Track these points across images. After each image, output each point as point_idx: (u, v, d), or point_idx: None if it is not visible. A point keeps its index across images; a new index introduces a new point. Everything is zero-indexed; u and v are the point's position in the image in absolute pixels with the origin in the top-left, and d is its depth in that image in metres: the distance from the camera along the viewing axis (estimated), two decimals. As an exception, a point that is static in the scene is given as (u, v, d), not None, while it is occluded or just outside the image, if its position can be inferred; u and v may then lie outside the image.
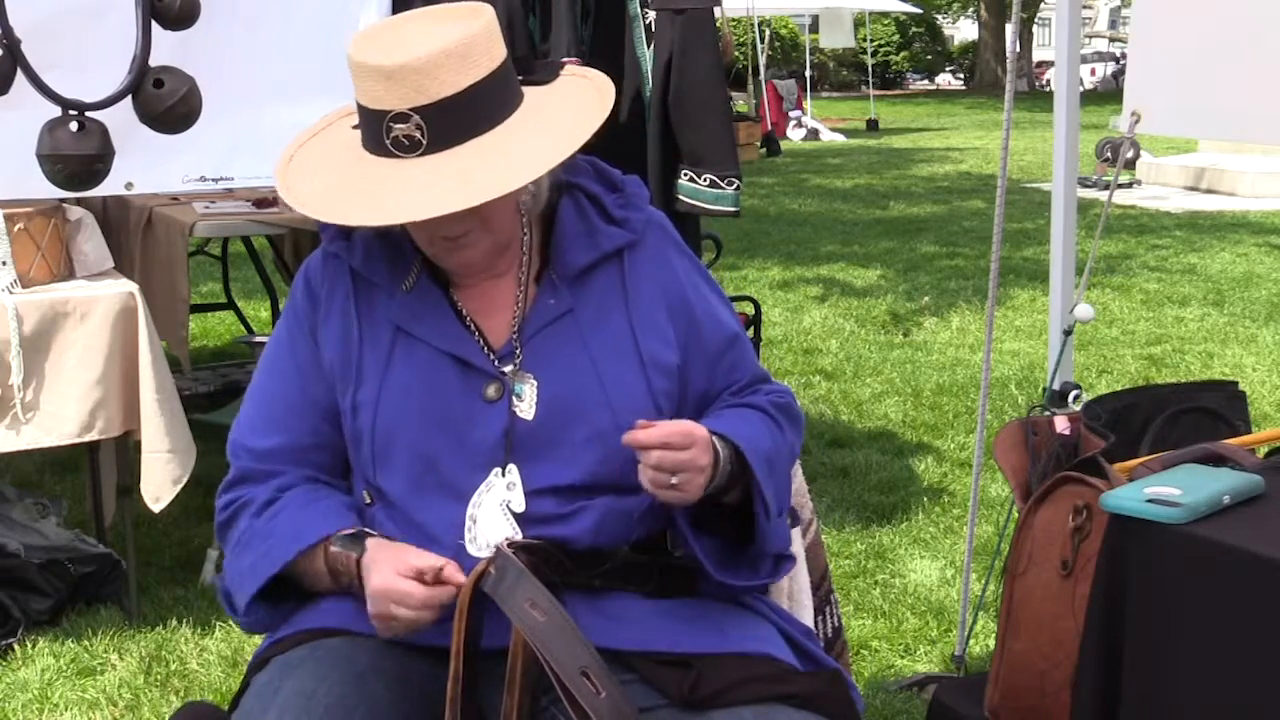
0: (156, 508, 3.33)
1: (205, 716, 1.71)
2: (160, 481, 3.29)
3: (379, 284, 1.72)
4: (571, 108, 1.68)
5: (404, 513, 1.67)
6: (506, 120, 1.61)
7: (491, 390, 1.67)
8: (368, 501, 1.71)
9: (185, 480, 3.33)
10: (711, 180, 3.38)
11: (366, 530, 1.66)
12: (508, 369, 1.68)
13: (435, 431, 1.66)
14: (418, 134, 1.56)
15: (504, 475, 1.65)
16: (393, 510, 1.68)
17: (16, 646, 3.27)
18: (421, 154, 1.57)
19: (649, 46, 3.37)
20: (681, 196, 3.40)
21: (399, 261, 1.73)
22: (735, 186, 3.39)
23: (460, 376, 1.68)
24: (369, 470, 1.69)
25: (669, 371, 1.72)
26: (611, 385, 1.67)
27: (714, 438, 1.61)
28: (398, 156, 1.57)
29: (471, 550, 1.63)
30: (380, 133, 1.57)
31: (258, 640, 1.77)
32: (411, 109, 1.55)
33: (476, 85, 1.57)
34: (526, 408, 1.66)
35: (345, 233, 1.74)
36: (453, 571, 1.54)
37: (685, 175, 3.39)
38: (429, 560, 1.54)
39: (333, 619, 1.66)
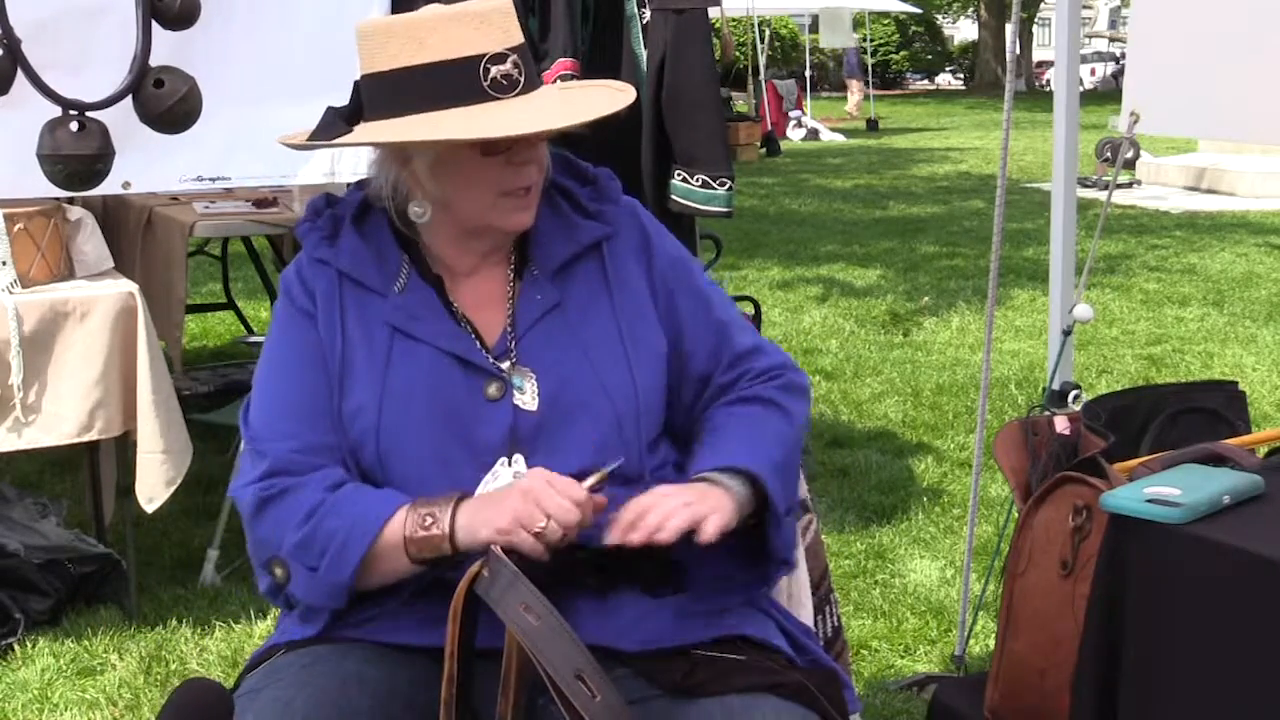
0: (150, 508, 3.32)
1: (205, 692, 1.63)
2: (154, 482, 3.29)
3: (371, 287, 1.71)
4: (583, 87, 1.79)
5: None
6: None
7: (493, 389, 1.66)
8: None
9: (179, 481, 3.33)
10: (704, 180, 3.38)
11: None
12: (505, 365, 1.68)
13: (442, 432, 1.65)
14: (515, 72, 1.61)
15: (510, 465, 1.65)
16: None
17: (16, 646, 3.27)
18: (518, 93, 1.62)
19: (645, 46, 3.38)
20: (675, 197, 3.40)
21: (386, 264, 1.72)
22: (727, 187, 3.40)
23: (461, 375, 1.67)
24: (376, 473, 1.67)
25: (657, 358, 1.73)
26: (606, 374, 1.68)
27: (717, 474, 1.62)
28: (496, 98, 1.61)
29: None
30: (476, 76, 1.60)
31: (258, 640, 1.76)
32: (507, 49, 1.61)
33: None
34: (529, 400, 1.66)
35: (330, 238, 1.74)
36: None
37: (678, 175, 3.40)
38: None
39: (325, 627, 1.64)
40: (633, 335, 1.71)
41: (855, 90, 25.28)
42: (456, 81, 1.60)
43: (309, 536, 1.59)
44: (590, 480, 1.56)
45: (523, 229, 1.72)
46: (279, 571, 1.62)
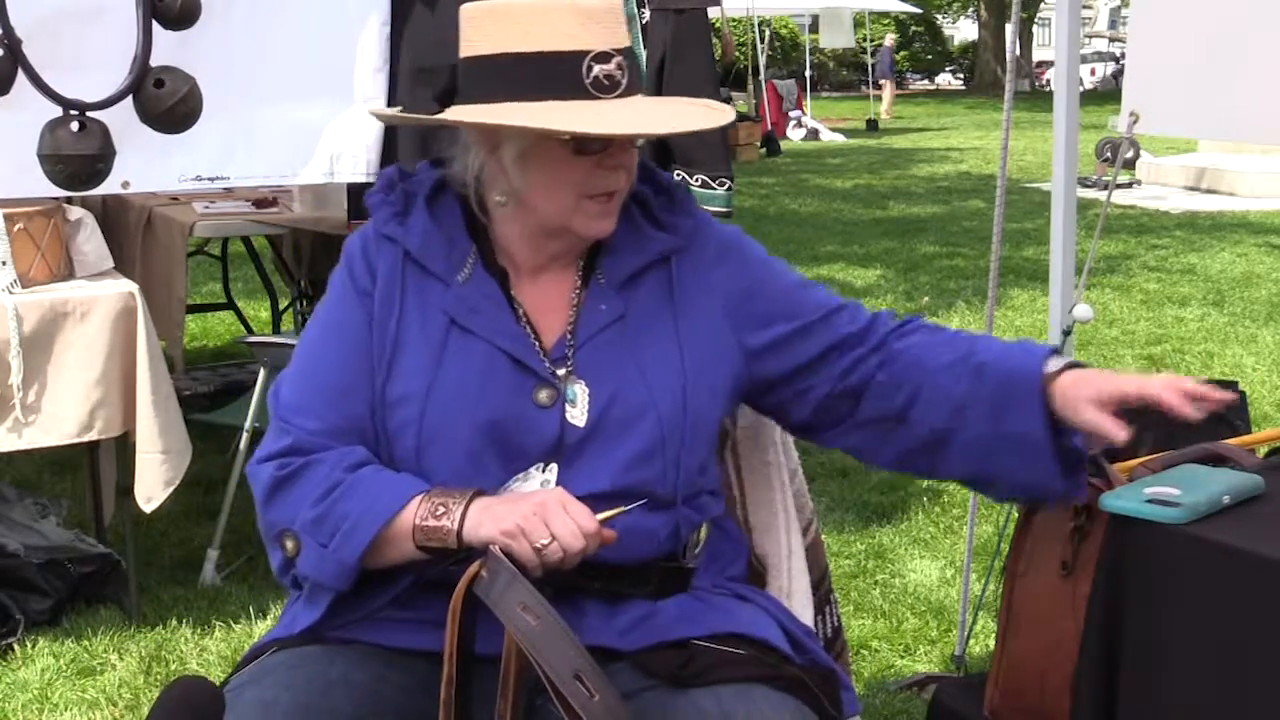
0: (148, 508, 3.32)
1: (196, 689, 1.57)
2: (153, 483, 3.28)
3: (435, 273, 1.67)
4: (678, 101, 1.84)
5: None
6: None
7: (543, 395, 1.63)
8: None
9: (178, 482, 3.33)
10: (703, 180, 3.39)
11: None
12: (560, 372, 1.65)
13: (486, 431, 1.62)
14: (618, 74, 1.58)
15: (543, 471, 1.62)
16: None
17: (16, 646, 3.27)
18: (619, 95, 1.58)
19: (645, 46, 3.38)
20: (676, 196, 3.41)
21: (454, 252, 1.68)
22: (727, 187, 3.41)
23: (513, 376, 1.63)
24: (410, 464, 1.63)
25: (716, 381, 1.70)
26: (659, 395, 1.64)
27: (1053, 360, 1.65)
28: (596, 97, 1.57)
29: None
30: (579, 72, 1.56)
31: (255, 641, 1.75)
32: (612, 49, 1.58)
33: None
34: (579, 414, 1.63)
35: (401, 214, 1.70)
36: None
37: (678, 175, 3.40)
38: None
39: (326, 615, 1.63)
40: (693, 356, 1.68)
41: (887, 91, 26.08)
42: (558, 74, 1.56)
43: (323, 515, 1.57)
44: (605, 514, 1.54)
45: (601, 238, 1.68)
46: (289, 544, 1.60)
